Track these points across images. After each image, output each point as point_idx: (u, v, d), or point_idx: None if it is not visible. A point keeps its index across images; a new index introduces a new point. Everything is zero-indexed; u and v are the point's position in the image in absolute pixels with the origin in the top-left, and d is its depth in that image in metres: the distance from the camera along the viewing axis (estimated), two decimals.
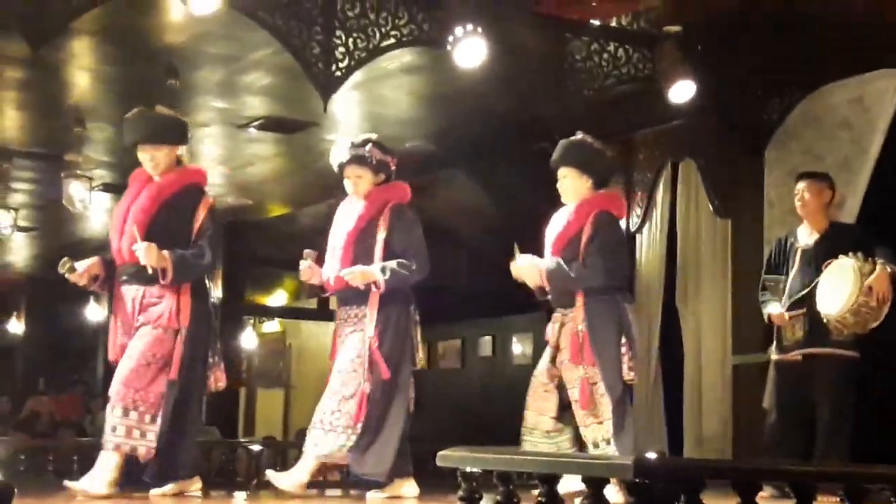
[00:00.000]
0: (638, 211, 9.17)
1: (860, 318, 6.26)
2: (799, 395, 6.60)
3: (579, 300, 6.01)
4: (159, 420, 5.51)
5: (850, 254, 6.28)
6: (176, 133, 6.08)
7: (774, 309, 6.66)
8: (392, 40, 7.26)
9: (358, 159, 6.17)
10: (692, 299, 8.81)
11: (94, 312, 16.64)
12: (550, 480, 2.73)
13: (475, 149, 10.58)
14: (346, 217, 6.26)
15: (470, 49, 7.26)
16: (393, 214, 6.23)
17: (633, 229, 9.16)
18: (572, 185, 6.29)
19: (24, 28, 6.64)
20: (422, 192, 12.27)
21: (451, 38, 7.27)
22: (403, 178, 7.56)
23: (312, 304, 16.27)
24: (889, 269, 6.21)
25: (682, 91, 7.80)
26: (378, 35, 7.23)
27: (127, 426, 5.47)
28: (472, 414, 13.22)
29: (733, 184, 8.49)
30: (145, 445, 5.48)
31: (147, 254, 5.50)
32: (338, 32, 7.09)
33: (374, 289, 6.00)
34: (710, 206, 8.60)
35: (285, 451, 8.62)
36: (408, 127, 10.16)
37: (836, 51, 7.78)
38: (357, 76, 7.33)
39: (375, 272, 5.97)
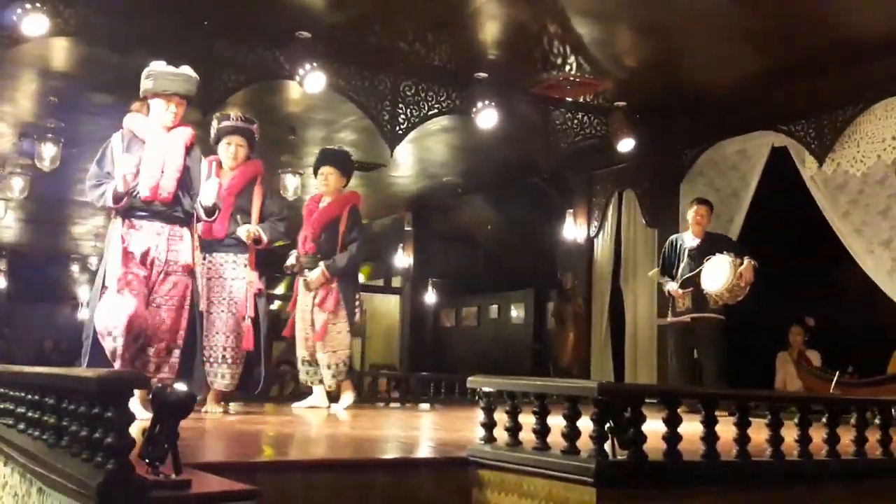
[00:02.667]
0: (595, 223, 9.13)
1: (732, 294, 6.38)
2: (689, 346, 6.72)
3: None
4: None
5: (725, 252, 6.40)
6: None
7: (672, 286, 6.76)
8: (436, 110, 7.27)
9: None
10: (630, 282, 8.77)
11: None
12: (542, 397, 2.73)
13: (488, 182, 10.57)
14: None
15: (487, 116, 7.28)
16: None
17: (592, 235, 9.15)
18: (334, 182, 5.87)
19: (195, 101, 6.69)
20: (454, 211, 12.34)
21: (474, 109, 7.29)
22: (442, 202, 7.58)
23: (380, 282, 16.27)
24: (754, 263, 6.34)
25: (626, 144, 7.79)
26: (426, 107, 7.24)
27: None
28: (485, 355, 13.20)
29: (659, 206, 8.44)
30: None
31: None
32: (400, 105, 7.11)
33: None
34: (644, 220, 8.56)
35: (362, 377, 8.64)
36: (445, 168, 10.16)
37: (727, 119, 7.74)
38: (412, 134, 7.33)
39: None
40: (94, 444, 2.07)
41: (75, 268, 18.20)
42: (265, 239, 5.05)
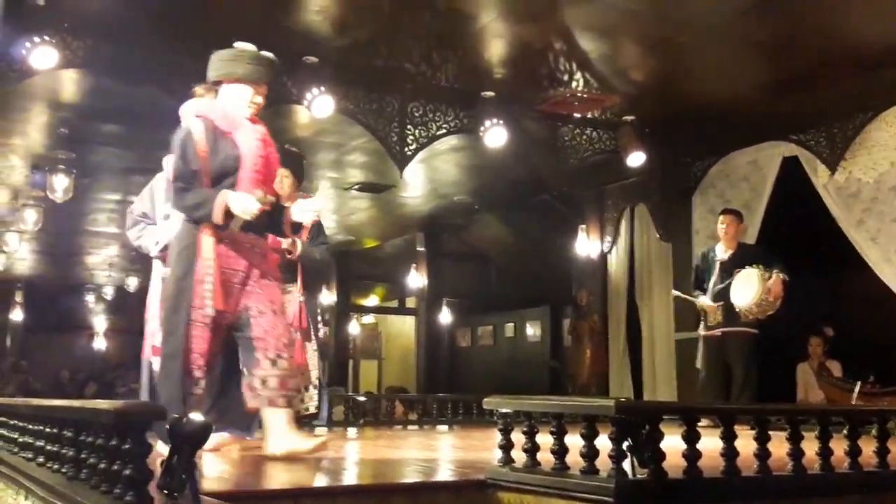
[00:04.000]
0: (609, 238, 9.11)
1: (762, 308, 6.28)
2: (720, 358, 6.60)
3: (300, 278, 4.87)
4: None
5: (755, 265, 6.31)
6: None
7: (704, 300, 6.68)
8: (444, 130, 7.31)
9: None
10: (646, 296, 8.74)
11: None
12: (559, 416, 2.73)
13: (499, 200, 10.58)
14: None
15: (495, 135, 7.31)
16: None
17: (605, 250, 9.13)
18: (290, 186, 4.91)
19: None
20: (465, 229, 12.37)
21: (482, 128, 7.32)
22: (454, 222, 7.56)
23: (394, 303, 16.29)
24: (783, 277, 6.25)
25: (635, 159, 7.79)
26: (434, 127, 7.27)
27: None
28: (501, 374, 13.18)
29: (671, 219, 8.42)
30: None
31: None
32: (408, 126, 7.14)
33: None
34: (657, 234, 8.54)
35: (379, 400, 8.63)
36: (455, 187, 10.18)
37: (737, 130, 7.73)
38: (421, 154, 7.35)
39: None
40: (113, 475, 2.08)
41: (90, 298, 18.33)
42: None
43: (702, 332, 6.75)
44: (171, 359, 3.56)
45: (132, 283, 16.03)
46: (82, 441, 2.37)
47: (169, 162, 4.04)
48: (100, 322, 19.14)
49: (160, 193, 4.51)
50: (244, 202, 3.52)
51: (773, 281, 6.24)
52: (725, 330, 6.51)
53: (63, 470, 2.52)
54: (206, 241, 3.58)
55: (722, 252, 6.74)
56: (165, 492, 1.98)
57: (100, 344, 19.15)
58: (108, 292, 17.66)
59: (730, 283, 6.42)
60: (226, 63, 3.77)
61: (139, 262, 14.33)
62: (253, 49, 3.83)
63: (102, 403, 2.22)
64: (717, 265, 6.70)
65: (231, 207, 3.52)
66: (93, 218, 11.74)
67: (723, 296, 6.50)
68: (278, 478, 3.21)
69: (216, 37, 6.23)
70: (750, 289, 6.27)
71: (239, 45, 3.86)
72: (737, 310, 6.35)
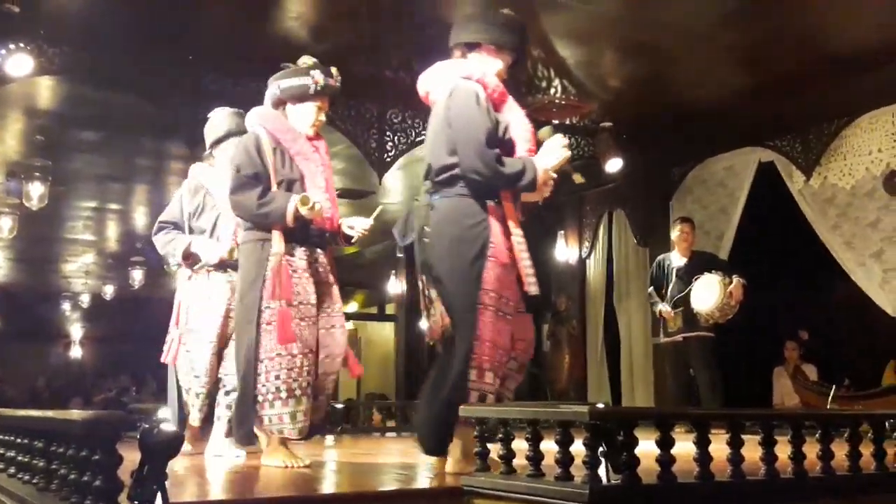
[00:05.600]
0: (587, 243, 9.15)
1: (723, 312, 6.43)
2: (682, 363, 6.74)
3: None
4: None
5: (713, 271, 6.46)
6: None
7: (663, 307, 6.81)
8: (423, 137, 7.29)
9: None
10: (624, 301, 8.78)
11: None
12: (534, 423, 2.73)
13: None
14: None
15: None
16: None
17: (583, 256, 9.16)
18: None
19: (183, 135, 6.72)
20: None
21: None
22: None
23: (374, 310, 16.25)
24: (743, 281, 6.39)
25: (614, 164, 7.83)
26: (414, 133, 7.27)
27: None
28: None
29: (649, 224, 8.48)
30: None
31: None
32: (387, 133, 7.14)
33: None
34: (634, 239, 8.58)
35: (358, 408, 8.60)
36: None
37: (714, 136, 7.79)
38: (401, 160, 7.36)
39: None
40: (83, 487, 2.07)
41: (66, 306, 18.16)
42: None
43: (662, 338, 6.91)
44: None
45: (108, 290, 15.91)
46: (53, 452, 2.35)
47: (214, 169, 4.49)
48: (76, 330, 18.98)
49: (188, 199, 4.63)
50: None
51: (735, 285, 6.40)
52: (686, 335, 6.66)
53: (34, 481, 2.49)
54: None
55: (678, 259, 6.90)
56: (136, 503, 1.97)
57: (76, 352, 18.99)
58: (85, 300, 17.52)
59: (689, 290, 6.56)
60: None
61: (115, 269, 14.25)
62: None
63: (72, 413, 2.20)
64: (674, 273, 6.84)
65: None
66: (70, 225, 11.65)
67: (682, 302, 6.65)
68: (253, 487, 3.19)
69: (194, 44, 6.25)
70: (712, 294, 6.43)
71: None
72: (699, 315, 6.48)
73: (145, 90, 6.36)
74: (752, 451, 2.83)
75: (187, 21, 5.92)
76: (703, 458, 2.65)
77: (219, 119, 4.64)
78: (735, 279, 6.44)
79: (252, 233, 3.75)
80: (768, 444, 2.83)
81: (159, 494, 1.97)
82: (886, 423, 3.25)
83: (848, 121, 7.00)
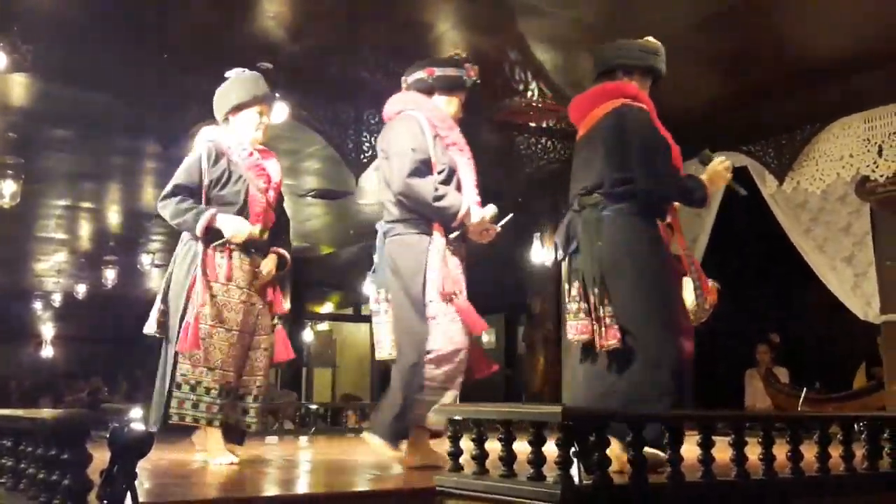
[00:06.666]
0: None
1: (697, 316, 6.39)
2: None
3: None
4: None
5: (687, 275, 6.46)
6: None
7: None
8: None
9: None
10: None
11: None
12: (507, 423, 2.74)
13: None
14: None
15: None
16: None
17: (559, 258, 9.15)
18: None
19: (157, 133, 6.68)
20: None
21: None
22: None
23: (349, 311, 16.22)
24: (717, 286, 6.39)
25: None
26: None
27: None
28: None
29: None
30: None
31: None
32: (364, 133, 7.13)
33: None
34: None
35: (334, 409, 8.58)
36: None
37: (689, 141, 7.80)
38: (377, 161, 7.34)
39: None
40: (52, 486, 2.05)
41: (38, 305, 17.97)
42: None
43: None
44: None
45: (81, 289, 15.76)
46: (22, 451, 2.33)
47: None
48: (48, 329, 18.78)
49: (208, 165, 4.11)
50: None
51: (708, 290, 6.41)
52: None
53: (2, 481, 2.46)
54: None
55: None
56: (105, 502, 1.95)
57: (48, 352, 18.79)
58: (57, 299, 17.35)
59: None
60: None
61: (88, 268, 14.13)
62: None
63: (42, 412, 2.18)
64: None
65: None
66: (42, 224, 11.52)
67: None
68: (225, 486, 3.18)
69: (168, 42, 6.21)
70: (687, 298, 6.43)
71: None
72: None
73: (119, 88, 6.31)
74: (723, 452, 2.85)
75: (162, 19, 5.88)
76: (675, 458, 2.67)
77: (246, 82, 4.28)
78: (710, 283, 6.48)
79: (407, 224, 3.71)
80: (739, 446, 2.86)
81: (129, 494, 1.96)
82: (855, 425, 3.29)
83: (821, 126, 7.08)
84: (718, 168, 3.83)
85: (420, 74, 3.90)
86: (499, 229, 3.94)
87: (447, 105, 3.88)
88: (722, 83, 6.83)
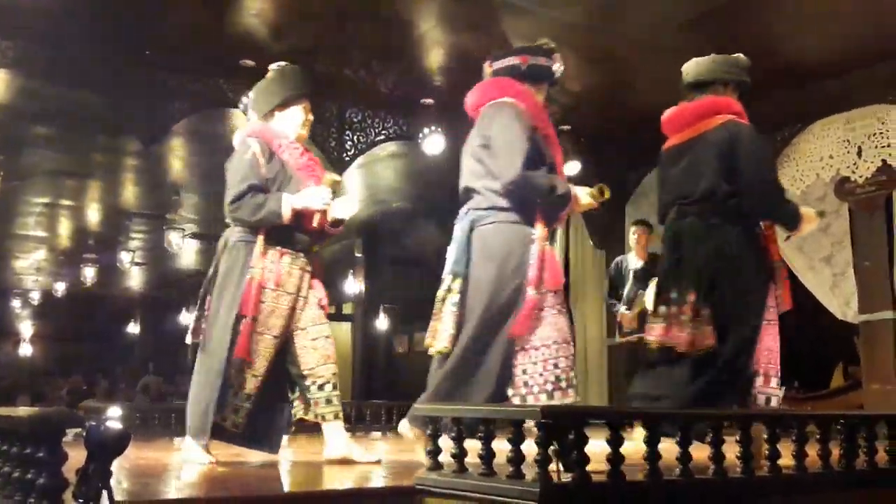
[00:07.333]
0: None
1: None
2: (637, 363, 6.78)
3: None
4: None
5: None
6: None
7: (620, 308, 6.90)
8: (382, 137, 7.32)
9: None
10: (580, 302, 8.85)
11: (185, 318, 16.46)
12: (487, 421, 2.74)
13: (439, 206, 10.56)
14: None
15: (434, 142, 7.33)
16: None
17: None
18: None
19: (138, 131, 6.64)
20: (403, 234, 12.35)
21: (421, 135, 7.33)
22: (393, 227, 7.37)
23: (331, 310, 16.14)
24: None
25: (570, 168, 7.88)
26: (373, 133, 7.27)
27: None
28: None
29: (605, 227, 8.55)
30: None
31: None
32: (347, 132, 7.13)
33: None
34: (591, 241, 8.65)
35: None
36: (393, 193, 10.18)
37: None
38: (360, 160, 7.35)
39: None
40: (27, 485, 2.03)
41: (17, 303, 17.83)
42: None
43: (618, 339, 6.98)
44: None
45: (60, 287, 15.65)
46: None
47: None
48: (26, 328, 18.65)
49: (264, 161, 3.93)
50: None
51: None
52: (641, 335, 6.69)
53: None
54: None
55: (635, 261, 6.98)
56: (80, 501, 1.94)
57: (26, 350, 18.65)
58: (35, 297, 17.22)
59: (645, 291, 6.63)
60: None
61: (67, 266, 14.03)
62: None
63: (17, 410, 2.16)
64: (631, 274, 6.92)
65: None
66: (21, 221, 11.44)
67: (638, 303, 6.73)
68: (202, 486, 3.16)
69: (151, 39, 6.18)
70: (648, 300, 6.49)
71: None
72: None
73: (101, 85, 6.28)
74: (699, 451, 2.87)
75: (145, 16, 5.85)
76: (653, 456, 2.68)
77: (295, 76, 4.10)
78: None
79: (507, 213, 3.52)
80: (717, 444, 2.87)
81: (105, 492, 1.94)
82: (833, 424, 3.31)
83: (801, 127, 7.13)
84: (810, 213, 4.00)
85: (513, 61, 3.72)
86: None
87: (537, 95, 3.73)
88: None
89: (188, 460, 3.77)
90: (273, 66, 4.12)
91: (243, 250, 3.85)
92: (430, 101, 7.25)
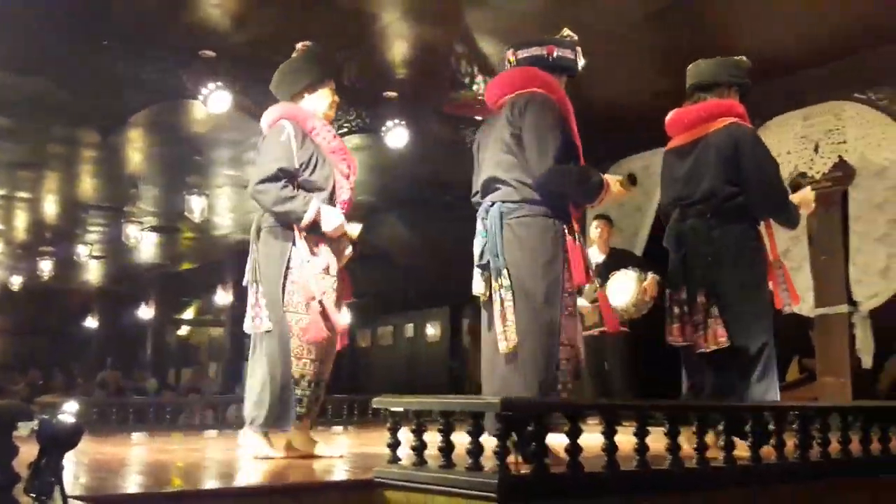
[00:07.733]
0: None
1: (638, 308, 6.52)
2: (597, 358, 6.90)
3: None
4: None
5: (630, 267, 6.56)
6: None
7: (581, 302, 6.91)
8: (345, 129, 7.28)
9: None
10: None
11: (144, 313, 16.27)
12: (446, 414, 2.75)
13: (402, 200, 10.59)
14: None
15: (397, 135, 7.33)
16: None
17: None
18: None
19: (96, 122, 6.54)
20: (368, 230, 12.32)
21: (384, 128, 7.32)
22: (356, 221, 7.33)
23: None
24: (657, 278, 6.52)
25: None
26: (336, 126, 7.21)
27: None
28: (401, 375, 13.18)
29: None
30: None
31: None
32: None
33: None
34: None
35: None
36: (358, 186, 10.09)
37: (632, 136, 7.94)
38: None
39: None
40: None
41: None
42: None
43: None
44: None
45: (16, 281, 15.39)
46: None
47: None
48: None
49: (297, 147, 3.89)
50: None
51: (649, 282, 6.51)
52: (602, 330, 6.77)
53: None
54: None
55: (596, 255, 7.03)
56: (32, 495, 1.91)
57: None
58: None
59: (605, 286, 6.68)
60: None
61: (23, 259, 13.79)
62: None
63: None
64: (592, 268, 6.96)
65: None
66: None
67: (598, 298, 6.77)
68: (160, 480, 3.13)
69: (109, 28, 6.08)
70: (627, 290, 6.53)
71: None
72: (615, 310, 6.59)
73: (57, 75, 6.17)
74: (656, 442, 2.90)
75: (103, 4, 5.76)
76: (610, 447, 2.71)
77: (322, 57, 4.15)
78: (650, 276, 6.56)
79: (538, 205, 3.48)
80: (673, 435, 2.91)
81: (57, 487, 1.92)
82: (788, 416, 3.37)
83: (759, 123, 7.21)
84: (809, 196, 4.18)
85: (540, 52, 3.70)
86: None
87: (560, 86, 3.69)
88: (664, 78, 6.83)
89: (259, 455, 3.70)
90: (299, 46, 4.11)
91: (281, 235, 3.77)
92: (393, 94, 7.23)
